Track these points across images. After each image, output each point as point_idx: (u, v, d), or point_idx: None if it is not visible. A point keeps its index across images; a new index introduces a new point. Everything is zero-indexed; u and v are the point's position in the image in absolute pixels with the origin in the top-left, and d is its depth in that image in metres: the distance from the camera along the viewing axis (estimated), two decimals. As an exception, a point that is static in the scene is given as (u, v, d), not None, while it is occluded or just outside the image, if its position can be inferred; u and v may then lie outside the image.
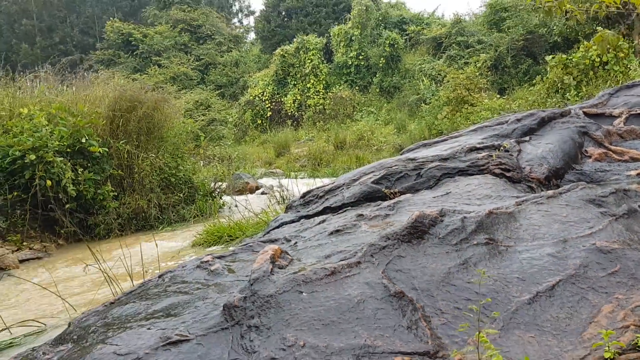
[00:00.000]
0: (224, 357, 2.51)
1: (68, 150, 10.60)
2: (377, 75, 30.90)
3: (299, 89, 32.49)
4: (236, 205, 11.60)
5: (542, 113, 6.27)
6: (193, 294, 3.42)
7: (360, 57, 31.59)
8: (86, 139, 10.78)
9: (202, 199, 12.66)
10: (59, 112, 10.91)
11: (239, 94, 36.44)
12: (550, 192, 3.67)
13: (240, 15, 63.85)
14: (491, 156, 5.01)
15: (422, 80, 26.27)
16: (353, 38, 31.53)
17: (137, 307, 3.45)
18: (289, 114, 32.01)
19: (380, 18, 32.77)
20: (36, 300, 6.80)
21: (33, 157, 9.85)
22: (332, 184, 5.73)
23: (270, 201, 11.57)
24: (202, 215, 12.14)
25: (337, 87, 31.90)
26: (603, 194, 3.62)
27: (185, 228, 11.08)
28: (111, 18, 49.04)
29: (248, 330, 2.62)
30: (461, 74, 19.20)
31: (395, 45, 29.67)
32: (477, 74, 20.62)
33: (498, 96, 20.43)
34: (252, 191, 16.01)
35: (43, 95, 11.85)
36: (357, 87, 31.58)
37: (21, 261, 9.10)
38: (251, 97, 33.36)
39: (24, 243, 9.78)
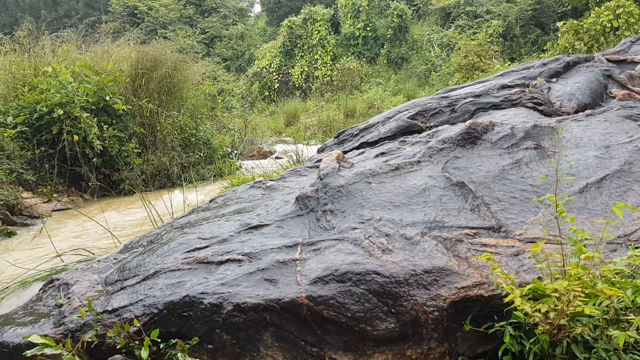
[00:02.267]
0: (304, 234, 2.77)
1: (93, 107, 10.83)
2: (384, 47, 30.87)
3: (306, 61, 32.48)
4: (253, 168, 11.86)
5: (567, 57, 6.47)
6: (256, 202, 3.67)
7: (368, 29, 31.53)
8: (110, 97, 10.99)
9: (221, 159, 12.92)
10: (83, 70, 11.10)
11: (245, 67, 36.43)
12: (588, 111, 3.91)
13: (244, -12, 63.35)
14: (524, 91, 5.23)
15: (433, 48, 26.30)
16: (360, 9, 31.42)
17: (204, 215, 3.70)
18: (297, 85, 32.08)
19: (388, -12, 32.61)
20: (78, 239, 7.10)
21: (60, 112, 10.08)
22: (366, 123, 5.96)
23: (289, 163, 11.76)
24: (221, 175, 12.40)
25: (345, 58, 31.90)
26: (639, 111, 3.86)
27: (207, 185, 11.36)
28: (117, -8, 48.72)
29: (323, 214, 2.88)
30: (472, 40, 19.24)
31: (403, 16, 29.61)
32: (488, 40, 20.67)
33: (509, 62, 20.52)
34: (265, 156, 16.22)
35: (66, 54, 12.02)
36: (364, 59, 31.56)
37: (53, 211, 9.39)
38: (258, 69, 33.37)
39: (54, 195, 10.06)
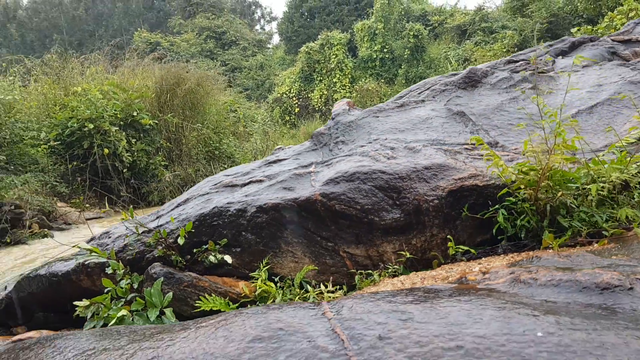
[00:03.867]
0: (318, 159, 3.06)
1: (121, 123, 11.33)
2: (402, 67, 31.29)
3: (325, 84, 33.04)
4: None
5: (572, 38, 6.72)
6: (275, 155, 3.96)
7: (385, 50, 32.04)
8: (137, 112, 11.50)
9: (244, 171, 13.30)
10: (111, 87, 11.66)
11: (266, 95, 37.19)
12: (585, 63, 4.16)
13: (262, 21, 64.88)
14: (528, 63, 5.49)
15: (450, 63, 26.66)
16: (377, 32, 32.02)
17: (228, 170, 4.01)
18: (317, 108, 32.60)
19: (403, 12, 33.22)
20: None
21: (91, 126, 10.59)
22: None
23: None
24: (245, 186, 12.75)
25: (363, 80, 32.38)
26: (633, 62, 4.09)
27: (231, 193, 11.73)
28: (138, 29, 50.42)
29: (335, 145, 3.17)
30: (488, 51, 19.53)
31: (419, 36, 30.07)
32: (504, 50, 20.94)
33: (524, 72, 20.69)
34: (288, 171, 16.53)
35: (94, 75, 12.65)
36: (382, 80, 32.00)
37: (86, 220, 9.80)
38: (279, 95, 34.04)
39: (86, 206, 10.51)
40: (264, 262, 2.58)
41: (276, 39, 52.44)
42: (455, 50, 28.76)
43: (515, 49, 23.87)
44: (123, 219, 2.87)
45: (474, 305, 1.40)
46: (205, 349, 1.52)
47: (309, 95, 34.57)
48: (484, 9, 29.53)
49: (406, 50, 30.43)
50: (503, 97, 3.44)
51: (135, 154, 11.29)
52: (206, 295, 2.48)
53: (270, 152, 16.37)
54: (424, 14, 34.46)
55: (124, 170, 10.97)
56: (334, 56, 34.02)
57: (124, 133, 11.11)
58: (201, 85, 12.68)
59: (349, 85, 33.39)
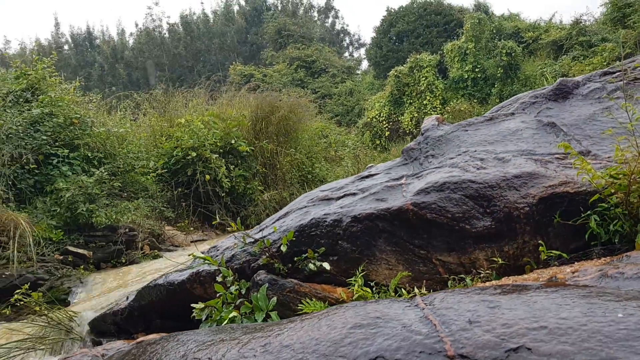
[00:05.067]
0: (408, 173, 3.20)
1: (221, 150, 12.03)
2: (495, 86, 30.63)
3: (415, 107, 32.95)
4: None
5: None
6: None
7: (477, 70, 31.52)
8: (235, 140, 12.16)
9: (337, 194, 13.59)
10: (211, 117, 12.44)
11: (356, 120, 37.63)
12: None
13: (351, 48, 65.93)
14: (625, 73, 5.33)
15: (546, 79, 25.80)
16: (467, 52, 31.62)
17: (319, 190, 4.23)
18: (407, 131, 32.53)
19: (495, 30, 32.62)
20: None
21: (194, 154, 11.34)
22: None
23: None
24: (338, 209, 13.02)
25: (455, 101, 31.99)
26: None
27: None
28: (233, 63, 53.00)
29: (425, 159, 3.30)
30: (587, 65, 18.74)
31: (513, 54, 29.37)
32: (604, 64, 20.01)
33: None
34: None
35: (196, 107, 13.55)
36: (475, 100, 31.45)
37: (191, 242, 10.46)
38: (368, 119, 34.35)
39: (190, 229, 11.21)
40: (359, 269, 2.74)
41: (365, 64, 53.04)
42: (551, 66, 27.79)
43: (617, 62, 22.69)
44: (232, 230, 3.14)
45: (558, 295, 1.48)
46: (311, 335, 1.70)
47: (399, 119, 34.61)
48: (581, 22, 28.38)
49: (499, 68, 29.81)
50: (595, 107, 3.42)
51: (234, 179, 11.91)
52: (307, 300, 2.67)
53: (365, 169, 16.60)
54: (517, 31, 33.61)
55: (224, 195, 11.59)
56: (423, 78, 33.94)
57: (223, 160, 11.78)
58: (294, 112, 13.19)
59: (440, 106, 33.10)
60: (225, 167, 11.69)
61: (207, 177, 11.36)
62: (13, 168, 8.09)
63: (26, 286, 4.43)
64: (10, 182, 8.00)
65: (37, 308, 4.35)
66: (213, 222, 9.57)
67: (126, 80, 64.17)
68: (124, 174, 10.36)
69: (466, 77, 32.81)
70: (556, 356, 1.19)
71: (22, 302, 4.49)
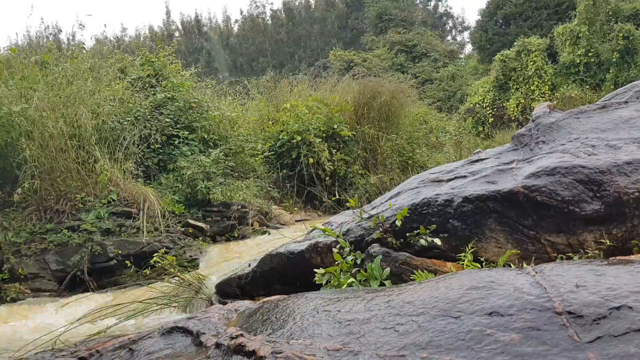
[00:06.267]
0: (518, 158, 3.34)
1: (323, 135, 12.45)
2: (610, 71, 28.78)
3: (522, 93, 31.72)
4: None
5: None
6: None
7: (590, 54, 29.77)
8: (337, 125, 12.53)
9: (437, 180, 13.61)
10: (315, 103, 12.88)
11: (457, 106, 36.84)
12: None
13: (454, 32, 64.29)
14: None
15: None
16: (580, 35, 29.90)
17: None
18: (512, 118, 31.44)
19: (611, 12, 30.59)
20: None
21: (299, 138, 11.84)
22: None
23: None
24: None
25: (565, 87, 30.45)
26: None
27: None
28: (333, 48, 53.51)
29: (536, 145, 3.42)
30: None
31: (631, 37, 27.45)
32: None
33: None
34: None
35: (300, 92, 14.07)
36: (587, 86, 29.77)
37: (295, 221, 11.01)
38: (471, 105, 33.53)
39: (294, 209, 11.78)
40: (469, 246, 2.95)
41: (468, 48, 51.67)
42: (676, 50, 25.68)
43: None
44: (349, 207, 3.46)
45: (664, 266, 1.63)
46: (430, 295, 1.96)
47: (504, 105, 33.49)
48: None
49: (615, 53, 28.02)
50: None
51: (336, 163, 12.30)
52: (419, 272, 2.93)
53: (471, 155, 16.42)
54: (636, 13, 31.37)
55: (326, 178, 12.02)
56: (531, 63, 32.59)
57: (326, 144, 12.19)
58: (395, 97, 13.33)
59: (549, 93, 31.67)
60: (327, 151, 12.10)
61: (311, 160, 11.82)
62: (141, 147, 8.95)
63: (162, 250, 5.03)
64: (138, 160, 8.86)
65: (172, 270, 4.93)
66: (324, 200, 10.05)
67: (231, 66, 66.73)
68: (235, 155, 11.06)
69: (578, 62, 31.08)
70: (657, 316, 1.37)
71: (159, 265, 5.12)
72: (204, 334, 2.64)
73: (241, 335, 2.35)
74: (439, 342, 1.64)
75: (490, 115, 33.54)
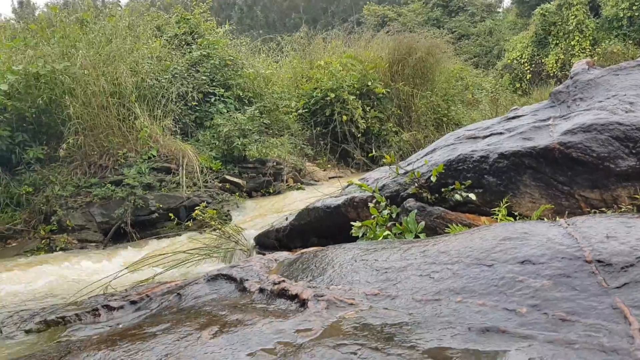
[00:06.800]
0: (555, 115, 3.35)
1: (357, 92, 12.42)
2: (655, 26, 27.58)
3: (561, 48, 30.72)
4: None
5: None
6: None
7: (634, 8, 28.53)
8: (371, 82, 12.47)
9: (471, 138, 13.50)
10: (349, 60, 12.81)
11: (495, 62, 35.95)
12: None
13: (492, -16, 62.12)
14: None
15: None
16: (625, -14, 28.60)
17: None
18: (551, 74, 30.59)
19: (660, -38, 29.10)
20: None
21: (332, 95, 11.85)
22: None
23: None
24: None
25: (607, 42, 29.36)
26: None
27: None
28: (367, 2, 52.41)
29: (573, 102, 3.42)
30: None
31: (680, -12, 26.13)
32: None
33: None
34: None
35: (334, 49, 13.98)
36: (631, 41, 28.64)
37: (329, 178, 11.15)
38: (509, 61, 32.67)
39: (327, 166, 11.91)
40: (503, 201, 3.02)
41: (507, 2, 49.93)
42: None
43: None
44: (383, 164, 3.54)
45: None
46: (464, 245, 2.06)
47: (543, 61, 32.56)
48: None
49: (661, 5, 26.69)
50: None
51: (369, 120, 12.31)
52: (453, 225, 3.02)
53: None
54: (685, -38, 29.67)
55: (359, 136, 12.06)
56: (572, 17, 31.45)
57: (359, 101, 12.18)
58: (431, 54, 13.14)
59: (590, 48, 30.58)
60: (361, 108, 12.09)
61: (344, 117, 11.85)
62: (179, 105, 9.12)
63: (203, 204, 5.23)
64: (176, 117, 9.05)
65: (212, 223, 5.14)
66: (356, 158, 10.16)
67: (263, 22, 66.13)
68: (269, 112, 11.16)
69: (622, 15, 29.83)
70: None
71: (199, 218, 5.33)
72: (247, 280, 2.80)
73: (283, 281, 2.51)
74: (473, 288, 1.75)
75: (528, 71, 32.73)
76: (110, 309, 3.20)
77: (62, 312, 3.36)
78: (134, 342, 1.98)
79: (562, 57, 30.87)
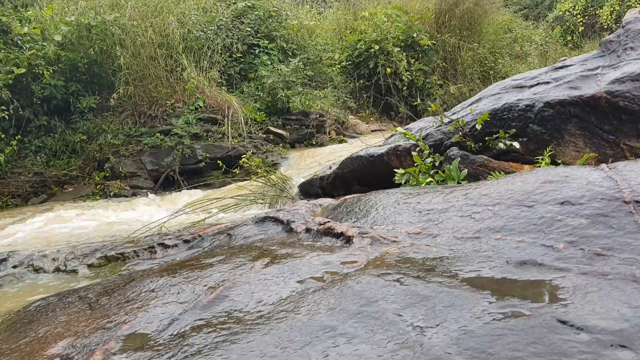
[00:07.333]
0: (604, 64, 3.30)
1: (402, 44, 12.23)
2: None
3: (617, -1, 29.20)
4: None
5: None
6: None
7: (699, -47, 26.71)
8: (417, 34, 12.25)
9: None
10: (394, 10, 12.57)
11: (545, 13, 34.52)
12: None
13: None
14: None
15: None
16: None
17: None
18: (605, 27, 29.23)
19: None
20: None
21: (377, 47, 11.72)
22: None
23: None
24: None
25: (668, -9, 27.72)
26: None
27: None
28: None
29: (623, 51, 3.35)
30: None
31: None
32: None
33: None
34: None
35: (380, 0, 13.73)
36: (692, -11, 26.95)
37: (371, 131, 11.17)
38: (560, 13, 31.31)
39: (370, 119, 11.90)
40: (547, 150, 3.04)
41: (562, -51, 47.46)
42: None
43: None
44: (429, 115, 3.59)
45: None
46: (506, 188, 2.13)
47: (597, 12, 31.07)
48: None
49: None
50: None
51: (414, 73, 12.15)
52: (496, 173, 3.07)
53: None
54: None
55: (403, 89, 11.96)
56: (631, -36, 29.63)
57: (404, 53, 12.02)
58: (479, 4, 12.77)
59: (648, -3, 28.89)
60: (406, 61, 11.94)
61: (388, 70, 11.74)
62: (224, 56, 9.24)
63: (249, 153, 5.40)
64: (222, 69, 9.18)
65: (259, 171, 5.31)
66: (400, 111, 10.13)
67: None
68: (313, 64, 11.16)
69: (685, -38, 27.93)
70: None
71: (246, 166, 5.51)
72: (293, 222, 2.95)
73: (329, 221, 2.64)
74: (512, 227, 1.83)
75: (581, 23, 31.29)
76: (165, 246, 3.42)
77: (120, 248, 3.61)
78: (192, 270, 2.16)
79: (618, 8, 29.37)
